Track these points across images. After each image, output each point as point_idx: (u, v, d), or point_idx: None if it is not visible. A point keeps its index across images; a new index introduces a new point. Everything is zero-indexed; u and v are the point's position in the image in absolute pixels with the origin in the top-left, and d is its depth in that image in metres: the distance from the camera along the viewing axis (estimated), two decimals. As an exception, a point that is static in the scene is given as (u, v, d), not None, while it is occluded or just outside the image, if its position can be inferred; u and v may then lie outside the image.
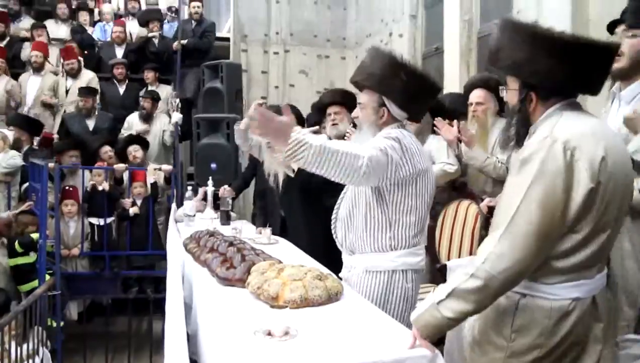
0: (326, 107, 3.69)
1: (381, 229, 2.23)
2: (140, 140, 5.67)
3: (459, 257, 3.28)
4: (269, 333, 1.61)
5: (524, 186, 1.51)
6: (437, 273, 3.25)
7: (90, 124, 6.05)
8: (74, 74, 6.49)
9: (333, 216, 2.42)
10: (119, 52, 7.03)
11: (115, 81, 6.69)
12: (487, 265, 1.50)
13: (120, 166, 5.29)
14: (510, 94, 1.72)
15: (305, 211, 3.34)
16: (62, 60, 6.61)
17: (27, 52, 6.75)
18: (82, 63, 6.63)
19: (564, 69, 1.56)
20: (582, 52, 1.55)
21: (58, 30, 7.23)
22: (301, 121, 4.01)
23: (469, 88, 3.59)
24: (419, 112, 2.37)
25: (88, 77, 6.59)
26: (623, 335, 2.09)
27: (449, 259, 3.31)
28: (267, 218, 3.70)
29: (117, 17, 7.73)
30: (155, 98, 6.27)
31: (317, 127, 2.43)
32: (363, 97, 2.32)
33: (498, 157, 3.36)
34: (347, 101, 3.50)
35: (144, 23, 7.18)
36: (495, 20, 5.10)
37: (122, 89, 6.70)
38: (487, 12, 5.32)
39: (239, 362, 1.44)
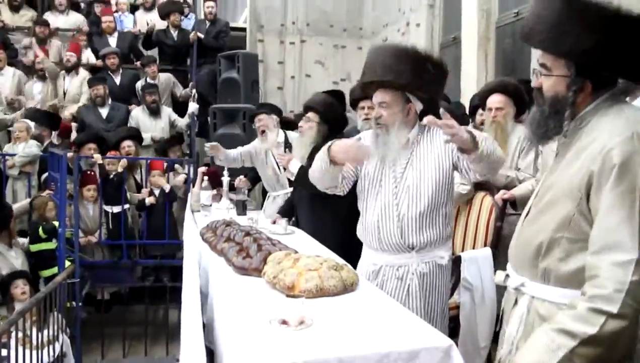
0: (358, 101, 3.71)
1: (450, 221, 2.41)
2: (134, 135, 5.66)
3: (474, 248, 3.27)
4: (285, 323, 1.62)
5: (634, 195, 1.36)
6: (451, 264, 3.24)
7: (104, 112, 6.06)
8: (70, 68, 6.45)
9: (393, 218, 2.33)
10: (112, 41, 6.95)
11: (109, 72, 6.59)
12: (629, 298, 1.31)
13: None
14: (554, 81, 1.52)
15: (314, 210, 3.34)
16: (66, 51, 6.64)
17: (29, 53, 6.76)
18: (81, 61, 6.63)
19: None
20: None
21: (56, 21, 7.18)
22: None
23: (487, 93, 3.57)
24: (434, 102, 2.40)
25: (83, 75, 6.54)
26: None
27: (463, 251, 3.31)
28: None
29: (133, 8, 7.75)
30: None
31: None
32: (386, 96, 2.30)
33: (520, 168, 3.35)
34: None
35: (164, 15, 7.17)
36: (514, 9, 5.05)
37: (117, 79, 6.61)
38: (506, 2, 5.26)
39: (254, 351, 1.45)
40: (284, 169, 3.57)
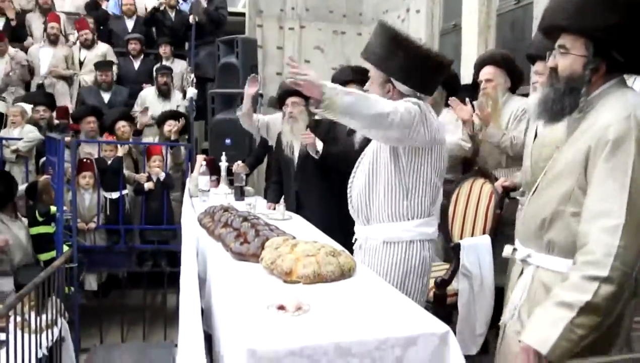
0: (344, 84, 3.64)
1: (400, 197, 2.30)
2: (127, 116, 5.64)
3: (472, 235, 3.27)
4: (282, 308, 1.62)
5: (626, 168, 1.44)
6: (450, 251, 3.25)
7: (106, 97, 6.06)
8: (88, 45, 6.53)
9: (349, 185, 2.47)
10: (130, 24, 7.00)
11: (130, 56, 6.68)
12: (618, 262, 1.38)
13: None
14: (571, 60, 1.61)
15: (320, 185, 3.40)
16: (75, 31, 6.70)
17: (35, 24, 6.78)
18: (96, 35, 6.68)
19: None
20: None
21: (63, 3, 7.22)
22: None
23: (478, 66, 3.60)
24: (426, 88, 2.36)
25: (102, 49, 6.62)
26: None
27: (461, 238, 3.31)
28: (280, 194, 3.70)
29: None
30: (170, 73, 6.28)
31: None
32: (371, 72, 2.38)
33: (513, 134, 3.34)
34: (365, 78, 3.45)
35: None
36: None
37: (137, 64, 6.69)
38: (507, -12, 5.22)
39: (252, 336, 1.45)
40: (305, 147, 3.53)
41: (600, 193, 1.46)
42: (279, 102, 3.73)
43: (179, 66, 6.72)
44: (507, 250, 1.83)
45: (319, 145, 3.42)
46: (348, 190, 2.48)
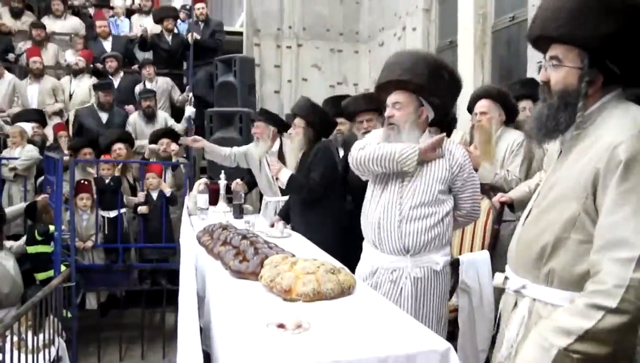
0: (357, 114, 3.60)
1: (450, 225, 2.41)
2: (125, 138, 5.65)
3: (471, 251, 3.27)
4: (282, 326, 1.62)
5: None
6: (448, 270, 3.25)
7: (104, 117, 6.08)
8: (76, 72, 6.57)
9: (394, 217, 2.35)
10: (107, 45, 7.03)
11: (109, 76, 6.66)
12: (631, 294, 1.27)
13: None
14: (565, 72, 1.48)
15: (305, 215, 3.44)
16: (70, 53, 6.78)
17: (22, 54, 6.82)
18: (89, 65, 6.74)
19: None
20: None
21: (53, 25, 7.27)
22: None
23: (474, 100, 3.65)
24: (445, 112, 2.48)
25: (88, 82, 6.62)
26: None
27: (460, 253, 3.31)
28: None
29: (129, 13, 7.79)
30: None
31: None
32: (401, 97, 2.37)
33: (509, 169, 3.37)
34: (378, 106, 3.28)
35: (158, 20, 7.17)
36: (510, 14, 5.07)
37: (116, 82, 6.64)
38: (502, 6, 5.28)
39: (252, 354, 1.45)
40: (276, 178, 3.61)
41: (612, 220, 1.34)
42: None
43: (163, 83, 6.70)
44: (498, 278, 1.69)
45: (283, 176, 3.41)
46: (392, 223, 2.35)
